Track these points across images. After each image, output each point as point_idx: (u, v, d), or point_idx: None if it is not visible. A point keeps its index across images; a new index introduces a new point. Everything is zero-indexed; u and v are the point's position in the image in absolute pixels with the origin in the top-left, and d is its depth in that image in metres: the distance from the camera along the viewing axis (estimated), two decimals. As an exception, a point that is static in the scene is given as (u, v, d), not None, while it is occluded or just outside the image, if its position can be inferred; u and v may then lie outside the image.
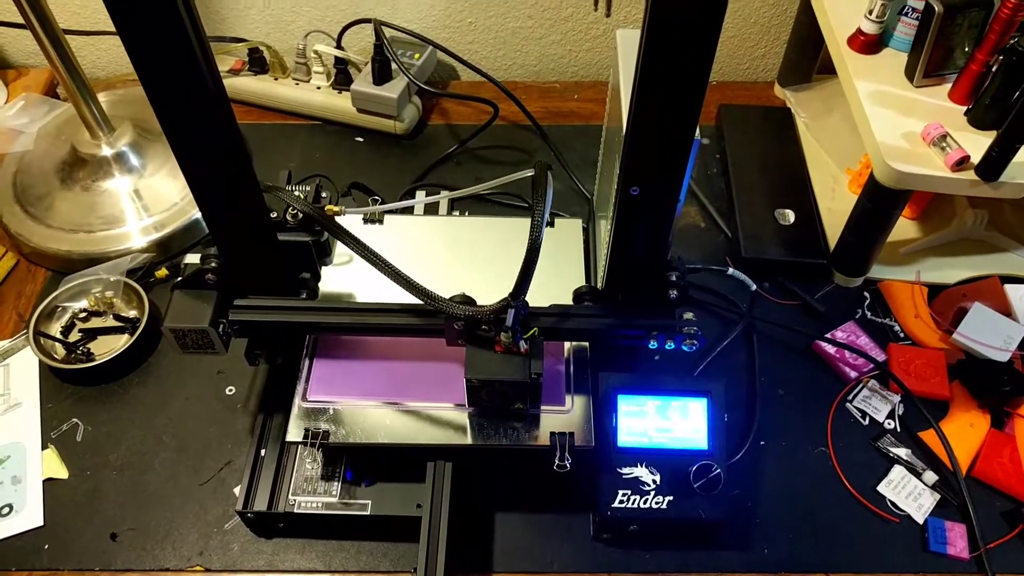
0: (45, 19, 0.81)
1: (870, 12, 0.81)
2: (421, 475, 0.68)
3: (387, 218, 0.83)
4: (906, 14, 0.81)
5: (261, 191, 0.61)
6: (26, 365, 0.80)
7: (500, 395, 0.64)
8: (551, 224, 0.82)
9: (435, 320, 0.64)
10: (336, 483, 0.69)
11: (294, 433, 0.67)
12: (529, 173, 0.59)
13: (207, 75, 0.52)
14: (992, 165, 0.72)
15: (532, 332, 0.63)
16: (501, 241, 0.81)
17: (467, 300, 0.62)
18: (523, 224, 0.81)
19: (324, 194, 0.68)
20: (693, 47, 0.47)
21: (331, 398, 0.69)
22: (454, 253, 0.80)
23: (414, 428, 0.68)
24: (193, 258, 0.67)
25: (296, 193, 0.66)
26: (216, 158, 0.56)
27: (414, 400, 0.69)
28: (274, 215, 0.65)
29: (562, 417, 0.68)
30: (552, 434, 0.67)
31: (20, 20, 0.82)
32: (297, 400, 0.69)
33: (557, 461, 0.66)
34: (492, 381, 0.62)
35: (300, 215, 0.66)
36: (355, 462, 0.70)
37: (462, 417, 0.68)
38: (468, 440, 0.67)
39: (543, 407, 0.69)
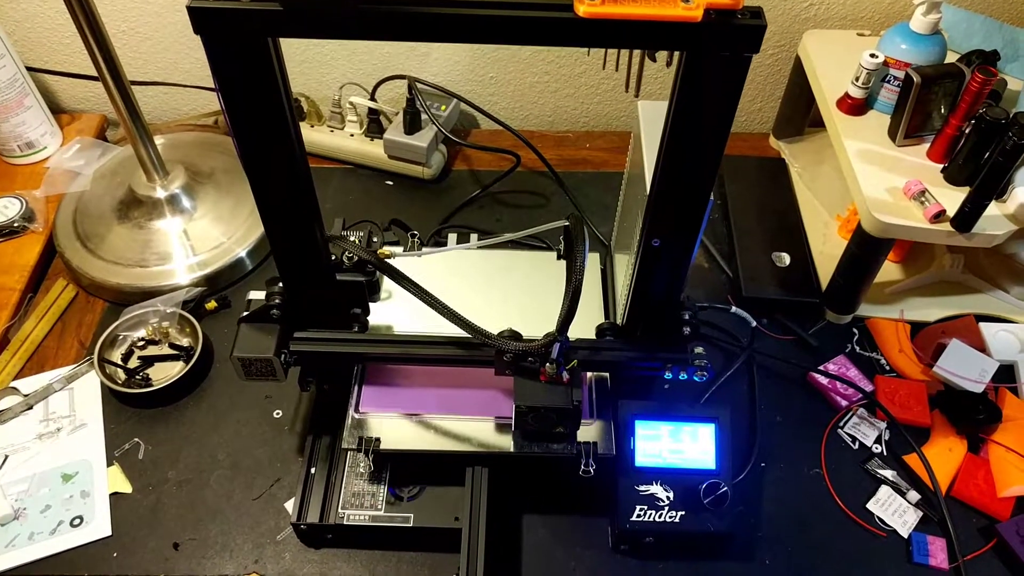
0: (115, 71, 0.87)
1: (856, 79, 0.90)
2: (460, 480, 0.74)
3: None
4: (888, 81, 0.90)
5: (326, 239, 0.69)
6: (89, 389, 0.87)
7: (545, 420, 0.70)
8: None
9: (477, 352, 0.71)
10: (381, 498, 0.75)
11: (348, 441, 0.73)
12: (562, 223, 0.67)
13: (293, 134, 0.59)
14: (966, 218, 0.79)
15: (573, 363, 0.68)
16: (525, 273, 0.87)
17: (515, 335, 0.68)
18: (543, 257, 0.89)
19: (375, 239, 0.76)
20: (708, 146, 0.55)
21: (381, 410, 0.76)
22: (485, 284, 0.86)
23: (455, 438, 0.74)
24: (258, 294, 0.74)
25: (352, 239, 0.73)
26: (292, 209, 0.64)
27: (454, 414, 0.76)
28: (333, 257, 0.73)
29: (586, 429, 0.75)
30: (578, 443, 0.73)
31: (89, 72, 0.89)
32: (350, 411, 0.75)
33: (583, 467, 0.72)
34: (538, 408, 0.68)
35: (355, 258, 0.73)
36: (400, 471, 0.76)
37: (497, 429, 0.75)
38: (503, 448, 0.74)
39: None
